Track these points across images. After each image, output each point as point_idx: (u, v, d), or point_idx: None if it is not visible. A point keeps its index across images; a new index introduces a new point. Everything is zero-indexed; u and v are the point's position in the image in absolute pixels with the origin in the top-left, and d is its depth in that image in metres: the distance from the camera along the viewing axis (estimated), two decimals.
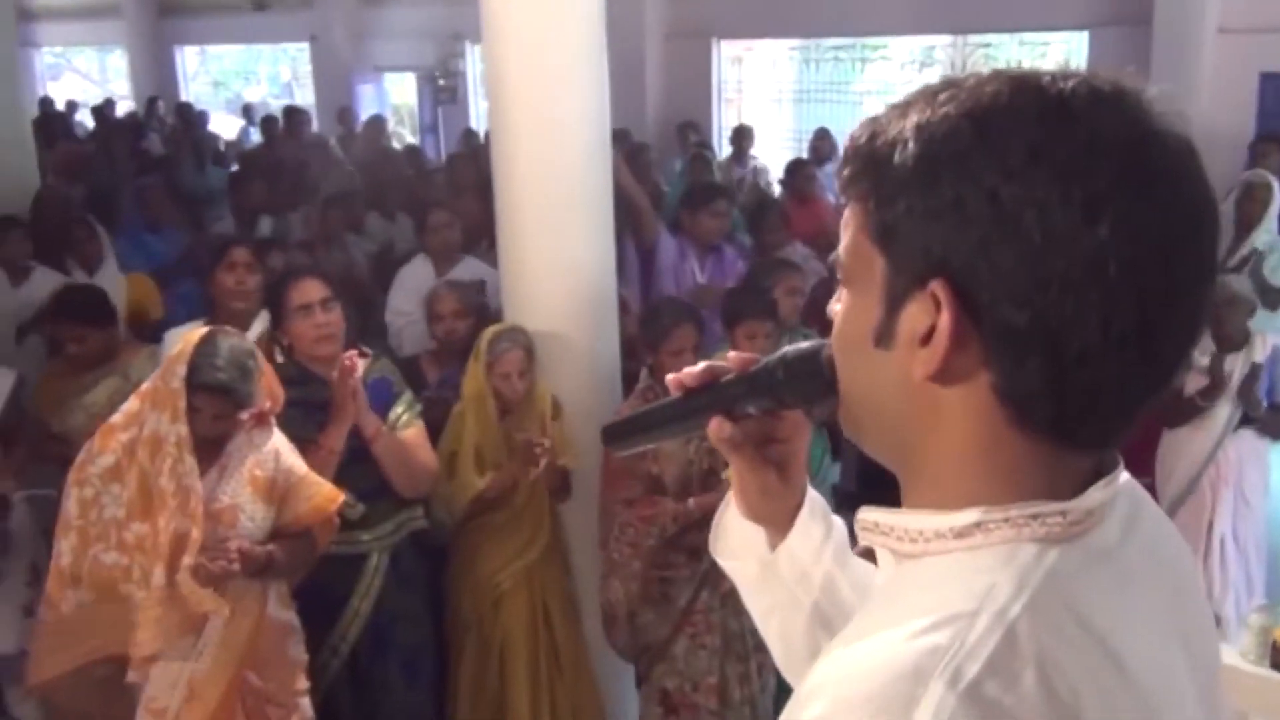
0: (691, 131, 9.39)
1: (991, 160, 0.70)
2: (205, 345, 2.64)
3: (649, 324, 3.39)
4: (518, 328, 3.44)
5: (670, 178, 7.81)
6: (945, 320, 0.71)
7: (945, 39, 10.28)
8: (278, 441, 2.83)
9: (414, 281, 4.75)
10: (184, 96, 14.50)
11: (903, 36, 10.55)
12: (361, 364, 3.09)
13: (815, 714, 0.68)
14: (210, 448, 2.72)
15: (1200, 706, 0.79)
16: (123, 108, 13.46)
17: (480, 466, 3.34)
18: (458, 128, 11.18)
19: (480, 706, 3.46)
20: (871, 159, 0.76)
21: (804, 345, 0.92)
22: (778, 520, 1.05)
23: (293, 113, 9.55)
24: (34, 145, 6.71)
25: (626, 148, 7.79)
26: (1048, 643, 0.68)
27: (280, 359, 3.16)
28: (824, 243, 5.82)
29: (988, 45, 9.77)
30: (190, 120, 11.47)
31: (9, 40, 6.49)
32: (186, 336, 2.73)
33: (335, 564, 3.05)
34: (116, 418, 2.70)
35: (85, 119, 12.61)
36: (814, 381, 0.89)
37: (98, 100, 14.06)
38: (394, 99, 14.49)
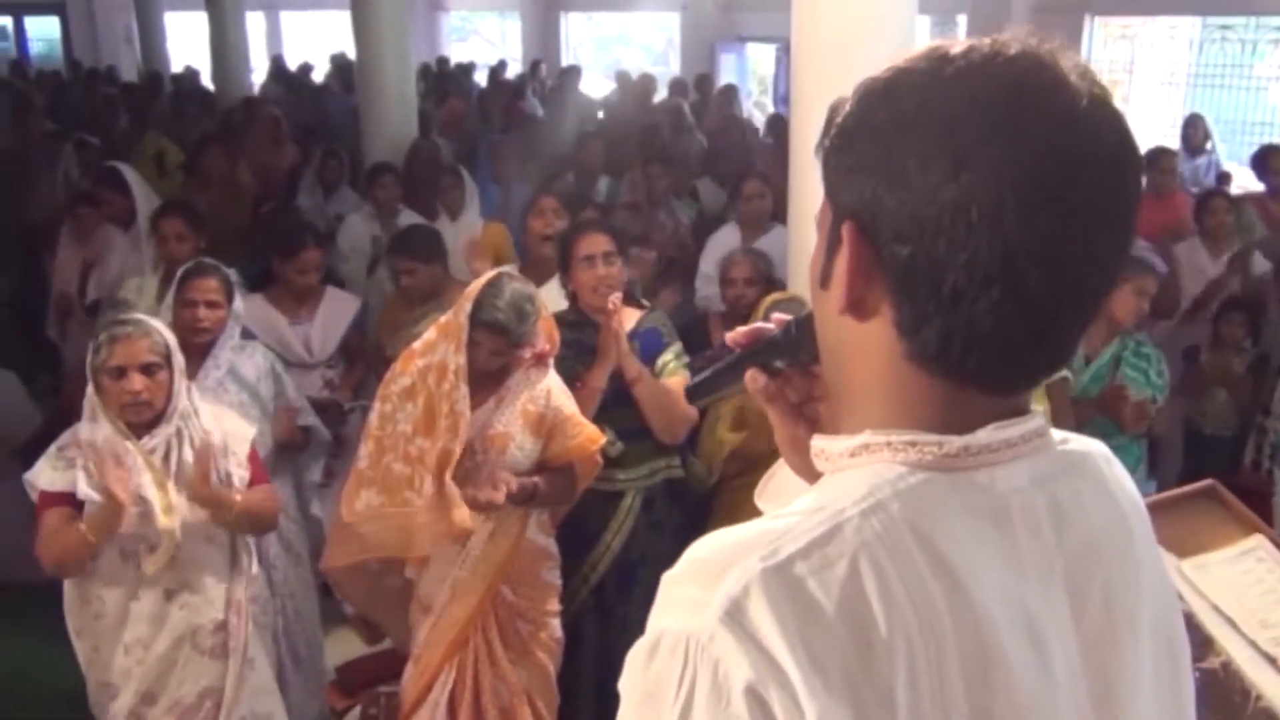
0: None
1: (890, 119, 0.78)
2: (491, 287, 2.91)
3: None
4: (796, 298, 3.50)
5: None
6: (845, 255, 0.80)
7: None
8: (551, 381, 3.07)
9: (721, 247, 4.91)
10: (565, 61, 15.43)
11: None
12: (635, 314, 3.29)
13: (667, 574, 0.80)
14: (491, 380, 3.00)
15: (1080, 670, 0.81)
16: (515, 70, 14.53)
17: (740, 426, 3.44)
18: None
19: None
20: (831, 116, 0.84)
21: None
22: (810, 475, 1.11)
23: (642, 78, 9.94)
24: (415, 101, 7.46)
25: None
26: (872, 543, 0.75)
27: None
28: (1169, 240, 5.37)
29: None
30: (570, 83, 12.18)
31: (400, 3, 7.20)
32: (480, 277, 3.04)
33: (593, 499, 3.28)
34: (417, 345, 3.01)
35: (483, 80, 13.72)
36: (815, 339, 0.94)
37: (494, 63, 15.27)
38: (756, 69, 14.73)
